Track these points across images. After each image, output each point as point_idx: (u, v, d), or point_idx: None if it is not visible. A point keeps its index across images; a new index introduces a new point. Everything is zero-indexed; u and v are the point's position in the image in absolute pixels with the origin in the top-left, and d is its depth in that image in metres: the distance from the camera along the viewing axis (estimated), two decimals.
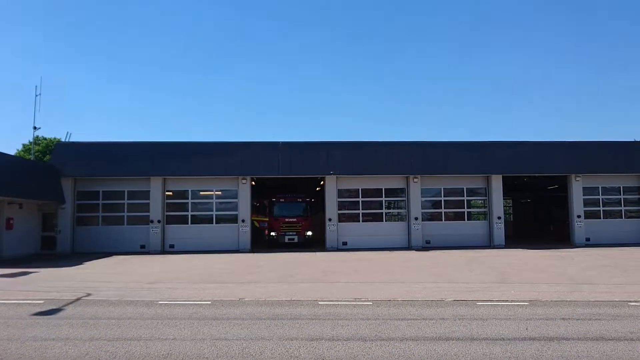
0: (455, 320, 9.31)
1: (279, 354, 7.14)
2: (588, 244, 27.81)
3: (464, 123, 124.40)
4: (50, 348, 7.51)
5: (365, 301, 11.41)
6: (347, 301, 11.46)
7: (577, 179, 28.46)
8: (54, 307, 10.77)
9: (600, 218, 28.96)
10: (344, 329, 8.67)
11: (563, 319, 9.46)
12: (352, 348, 7.45)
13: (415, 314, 9.96)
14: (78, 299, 11.82)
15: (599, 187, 29.06)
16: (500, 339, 7.94)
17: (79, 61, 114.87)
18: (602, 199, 29.13)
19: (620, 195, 29.18)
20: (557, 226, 33.32)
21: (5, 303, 11.43)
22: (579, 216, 28.31)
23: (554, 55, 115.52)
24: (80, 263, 20.91)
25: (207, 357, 6.99)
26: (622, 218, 29.16)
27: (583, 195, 28.63)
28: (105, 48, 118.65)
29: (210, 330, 8.68)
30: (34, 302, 11.44)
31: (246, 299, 11.79)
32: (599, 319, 9.40)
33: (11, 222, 23.46)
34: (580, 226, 28.27)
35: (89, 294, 12.50)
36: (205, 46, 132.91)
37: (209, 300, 11.62)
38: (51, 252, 25.74)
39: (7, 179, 21.80)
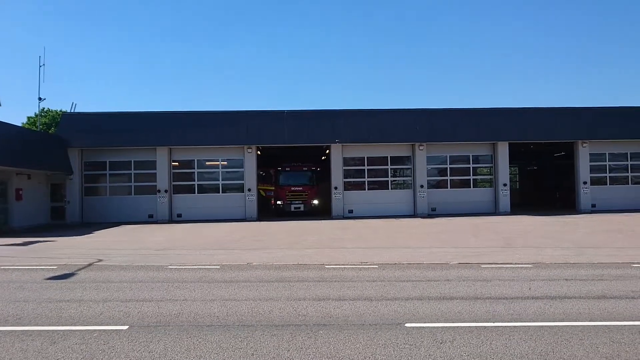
0: (459, 282, 9.48)
1: (288, 313, 7.34)
2: (594, 210, 27.88)
3: (469, 90, 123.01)
4: (66, 309, 7.74)
5: (371, 265, 11.60)
6: (354, 265, 11.65)
7: (584, 145, 28.32)
8: (67, 272, 11.03)
9: (606, 184, 28.94)
10: (350, 290, 8.86)
11: (566, 279, 9.60)
12: (358, 307, 7.63)
13: (420, 276, 10.14)
14: (90, 265, 12.09)
15: (605, 154, 28.94)
16: (504, 298, 8.10)
17: (83, 32, 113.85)
18: (609, 165, 29.04)
19: (628, 161, 29.07)
20: (563, 193, 33.34)
21: (19, 269, 11.71)
22: (585, 183, 28.29)
23: (562, 20, 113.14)
24: (90, 232, 21.25)
25: (217, 316, 7.20)
26: (628, 184, 29.12)
27: (590, 161, 28.54)
28: (108, 18, 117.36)
29: (219, 291, 8.90)
30: (47, 267, 11.71)
31: (254, 264, 12.01)
32: (602, 280, 9.54)
33: (20, 192, 23.75)
34: (586, 193, 28.28)
35: (100, 260, 12.77)
36: (210, 14, 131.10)
37: (217, 265, 11.85)
38: (61, 222, 26.13)
39: (15, 149, 21.97)
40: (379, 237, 17.87)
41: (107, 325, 6.80)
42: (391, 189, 28.68)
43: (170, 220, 26.86)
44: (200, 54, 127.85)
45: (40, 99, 31.26)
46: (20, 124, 44.82)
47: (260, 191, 30.67)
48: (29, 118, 47.38)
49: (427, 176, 28.03)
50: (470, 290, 8.75)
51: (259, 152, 28.56)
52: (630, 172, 29.10)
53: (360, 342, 5.93)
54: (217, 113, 28.13)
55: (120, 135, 26.74)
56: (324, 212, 28.98)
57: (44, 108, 46.79)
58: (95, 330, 6.56)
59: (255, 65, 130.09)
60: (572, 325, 6.53)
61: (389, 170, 28.64)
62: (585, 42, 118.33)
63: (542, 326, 6.52)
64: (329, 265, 11.67)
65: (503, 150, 28.11)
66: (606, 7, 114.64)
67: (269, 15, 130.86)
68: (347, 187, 28.20)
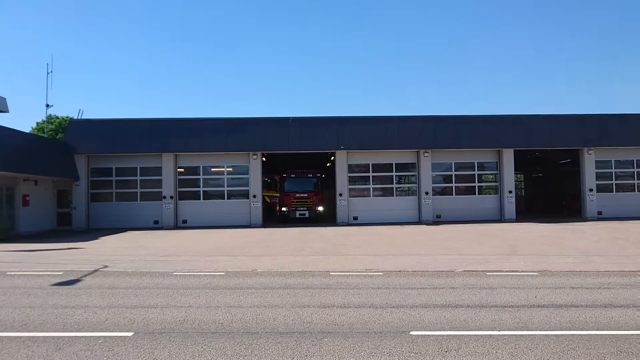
0: (464, 289, 9.44)
1: (292, 320, 7.32)
2: (600, 217, 27.72)
3: (474, 96, 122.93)
4: (71, 315, 7.76)
5: (376, 272, 11.57)
6: (359, 272, 11.63)
7: (590, 152, 28.20)
8: (73, 278, 11.07)
9: (612, 192, 28.78)
10: (355, 297, 8.84)
11: (572, 287, 9.54)
12: (363, 315, 7.61)
13: (426, 284, 10.10)
14: (95, 271, 12.12)
15: (611, 161, 28.81)
16: (509, 306, 8.06)
17: (90, 39, 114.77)
18: (615, 172, 28.90)
19: (634, 168, 28.91)
20: (569, 200, 33.17)
21: (25, 274, 11.76)
22: (590, 190, 28.14)
23: (564, 25, 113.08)
24: (95, 238, 21.33)
25: (222, 323, 7.19)
26: (635, 191, 28.94)
27: (595, 168, 28.40)
28: (116, 25, 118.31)
29: (224, 298, 8.90)
30: (52, 273, 11.76)
31: (259, 270, 12.01)
32: (608, 288, 9.48)
33: (27, 198, 23.89)
34: (592, 200, 28.13)
35: (106, 266, 12.80)
36: (217, 23, 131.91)
37: (222, 272, 11.86)
38: (67, 228, 26.24)
39: (22, 155, 22.11)
40: (384, 244, 17.82)
41: (112, 331, 6.81)
42: (396, 195, 28.63)
43: (176, 227, 26.91)
44: (206, 62, 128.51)
45: (47, 105, 31.63)
46: (28, 131, 45.20)
47: (265, 197, 30.70)
48: (37, 124, 47.72)
49: (432, 183, 27.96)
50: (475, 298, 8.71)
51: (264, 159, 28.59)
52: (637, 180, 28.92)
53: (365, 350, 5.91)
54: (223, 120, 28.22)
55: (127, 141, 26.88)
56: (329, 219, 28.96)
57: (51, 115, 47.14)
58: (100, 336, 6.58)
59: (262, 69, 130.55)
60: (578, 334, 6.49)
61: (394, 177, 28.60)
62: (588, 48, 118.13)
63: (548, 335, 6.48)
64: (333, 272, 11.65)
65: (508, 157, 28.03)
66: (608, 8, 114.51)
67: (272, 19, 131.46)
68: (352, 193, 28.18)
